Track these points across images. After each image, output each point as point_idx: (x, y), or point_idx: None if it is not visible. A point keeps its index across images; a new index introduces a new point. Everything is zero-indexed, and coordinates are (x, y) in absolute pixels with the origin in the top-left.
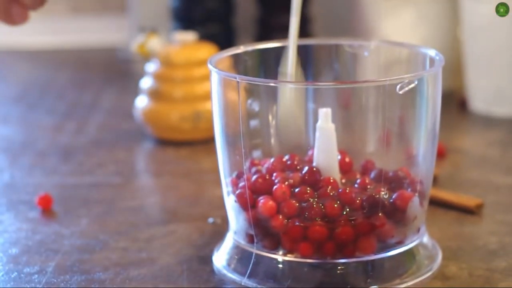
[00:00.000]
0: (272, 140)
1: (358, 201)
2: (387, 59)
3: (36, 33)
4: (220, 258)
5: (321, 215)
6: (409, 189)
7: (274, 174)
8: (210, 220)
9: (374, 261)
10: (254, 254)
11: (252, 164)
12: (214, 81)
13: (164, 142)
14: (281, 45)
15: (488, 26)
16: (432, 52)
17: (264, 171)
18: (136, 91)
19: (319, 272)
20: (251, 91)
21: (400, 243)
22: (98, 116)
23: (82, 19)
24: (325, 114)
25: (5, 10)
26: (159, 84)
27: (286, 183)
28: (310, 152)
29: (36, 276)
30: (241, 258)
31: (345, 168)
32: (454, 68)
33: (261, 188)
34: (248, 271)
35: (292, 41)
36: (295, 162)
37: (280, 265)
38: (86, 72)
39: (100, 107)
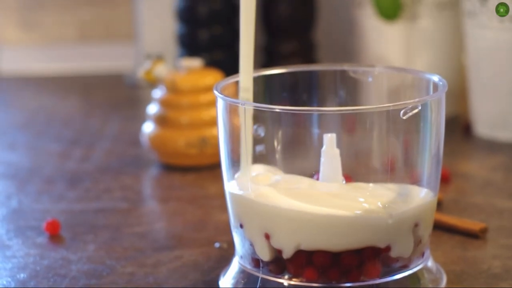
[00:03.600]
0: (278, 165)
1: None
2: (391, 85)
3: (44, 59)
4: (227, 282)
5: None
6: None
7: None
8: (216, 245)
9: (379, 285)
10: (260, 279)
11: None
12: (220, 107)
13: (170, 168)
14: (286, 71)
15: (493, 52)
16: (435, 78)
17: None
18: (142, 118)
19: None
20: (256, 117)
21: (405, 267)
22: (104, 143)
23: (89, 46)
24: (330, 139)
25: None
26: (166, 110)
27: None
28: (315, 177)
29: None
30: (247, 282)
31: None
32: (459, 93)
33: None
34: None
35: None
36: None
37: None
38: (93, 99)
39: (106, 134)
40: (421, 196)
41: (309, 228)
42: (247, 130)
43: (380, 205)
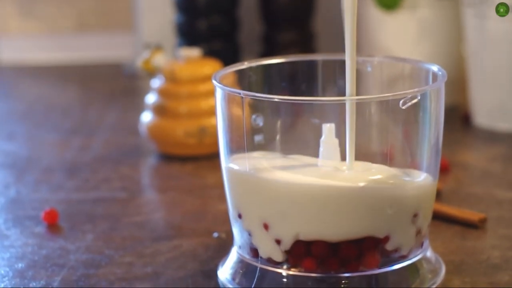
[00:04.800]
0: None
1: None
2: (390, 75)
3: (42, 49)
4: (225, 272)
5: None
6: None
7: None
8: (215, 234)
9: (378, 275)
10: (258, 269)
11: None
12: (218, 96)
13: (169, 158)
14: (285, 61)
15: (492, 42)
16: (435, 68)
17: None
18: (141, 107)
19: (323, 286)
20: (255, 107)
21: (403, 257)
22: (103, 132)
23: (88, 35)
24: (329, 129)
25: None
26: (164, 99)
27: None
28: None
29: None
30: (245, 272)
31: None
32: (458, 83)
33: None
34: (253, 286)
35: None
36: None
37: (285, 279)
38: (91, 88)
39: (105, 123)
40: (421, 178)
41: (309, 209)
42: (352, 127)
43: (384, 176)
